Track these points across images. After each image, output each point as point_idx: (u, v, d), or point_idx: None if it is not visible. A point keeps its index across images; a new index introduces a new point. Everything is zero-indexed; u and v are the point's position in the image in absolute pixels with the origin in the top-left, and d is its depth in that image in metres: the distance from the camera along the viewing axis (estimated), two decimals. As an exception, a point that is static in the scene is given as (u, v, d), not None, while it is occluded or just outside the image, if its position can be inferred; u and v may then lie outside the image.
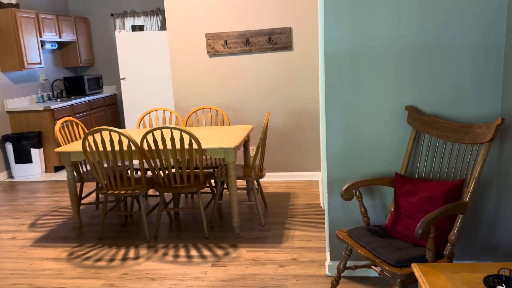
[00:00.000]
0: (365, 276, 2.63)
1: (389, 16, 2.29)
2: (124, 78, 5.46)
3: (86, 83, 6.69)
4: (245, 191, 4.42)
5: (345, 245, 2.59)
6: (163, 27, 6.67)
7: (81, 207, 4.23)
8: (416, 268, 1.69)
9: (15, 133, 5.40)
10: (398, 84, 2.36)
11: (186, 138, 3.43)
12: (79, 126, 3.95)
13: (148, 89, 5.56)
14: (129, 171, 4.14)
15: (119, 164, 4.18)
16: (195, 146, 3.24)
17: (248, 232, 3.40)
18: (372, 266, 2.37)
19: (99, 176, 3.29)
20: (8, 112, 5.53)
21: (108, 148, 3.37)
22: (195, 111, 4.26)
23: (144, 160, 3.87)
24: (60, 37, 6.25)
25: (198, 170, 3.66)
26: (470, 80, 2.29)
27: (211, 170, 3.75)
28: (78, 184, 4.76)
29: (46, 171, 5.65)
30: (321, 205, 3.87)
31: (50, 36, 6.00)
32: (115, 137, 3.65)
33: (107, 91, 7.25)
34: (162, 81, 5.52)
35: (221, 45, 4.46)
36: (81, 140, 3.71)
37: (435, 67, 2.31)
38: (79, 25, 6.76)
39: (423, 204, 2.14)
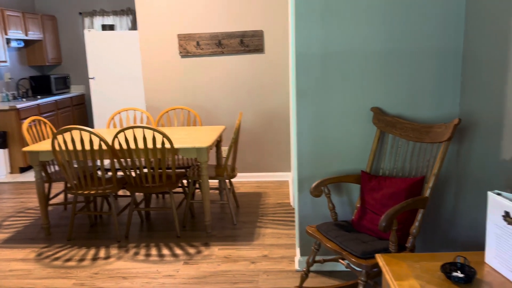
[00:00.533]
0: (333, 270, 2.74)
1: (357, 22, 2.41)
2: (94, 77, 5.39)
3: (52, 83, 6.54)
4: (217, 191, 4.46)
5: (314, 240, 2.69)
6: (133, 27, 6.62)
7: (49, 207, 4.15)
8: (380, 258, 1.79)
9: (-23, 133, 5.23)
10: (365, 87, 2.49)
11: (159, 137, 3.44)
12: (47, 125, 3.88)
13: (118, 89, 5.51)
14: (99, 171, 4.10)
15: (90, 164, 4.13)
16: (167, 145, 3.26)
17: (220, 231, 3.45)
18: (340, 260, 2.48)
19: (68, 176, 3.26)
20: (-30, 111, 5.34)
21: (79, 147, 3.34)
22: (167, 112, 4.27)
23: (115, 160, 3.85)
24: (26, 35, 6.09)
25: (170, 170, 3.68)
26: (431, 83, 2.44)
27: (184, 170, 3.78)
28: (46, 185, 4.66)
29: (11, 172, 5.49)
30: (291, 204, 3.97)
31: (16, 33, 5.84)
32: (86, 136, 3.62)
33: (75, 90, 7.12)
34: (132, 81, 5.48)
35: (193, 46, 4.50)
36: (50, 139, 3.66)
37: (399, 71, 2.45)
38: (46, 23, 6.61)
39: (387, 199, 2.27)
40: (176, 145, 3.24)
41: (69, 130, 3.08)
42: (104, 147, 3.29)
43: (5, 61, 5.59)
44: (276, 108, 4.62)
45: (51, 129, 3.90)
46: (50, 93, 6.56)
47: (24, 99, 6.11)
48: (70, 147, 3.35)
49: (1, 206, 4.27)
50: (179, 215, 3.83)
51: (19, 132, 5.38)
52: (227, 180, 4.01)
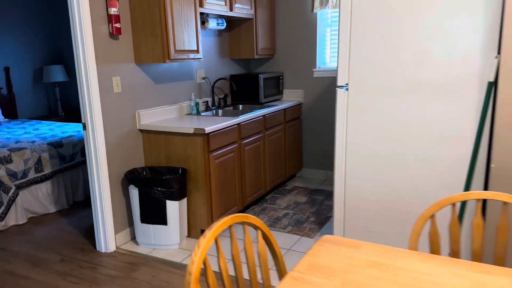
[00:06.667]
0: None
1: None
2: (347, 85, 2.66)
3: (261, 86, 4.22)
4: None
5: None
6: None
7: None
8: None
9: (147, 167, 3.20)
10: None
11: None
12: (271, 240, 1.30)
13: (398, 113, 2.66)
14: None
15: None
16: None
17: None
18: None
19: None
20: (140, 130, 3.33)
21: None
22: None
23: None
24: (231, 9, 3.84)
25: None
26: None
27: None
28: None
29: (188, 235, 3.33)
30: None
31: (216, 7, 3.62)
32: None
33: (288, 97, 4.69)
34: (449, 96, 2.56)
35: None
36: None
37: None
38: (260, -7, 4.29)
39: None
40: None
41: None
42: None
43: (196, 51, 3.41)
44: None
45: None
46: (257, 101, 4.27)
47: (220, 111, 3.94)
48: None
49: None
50: None
51: (207, 170, 3.13)
52: None
